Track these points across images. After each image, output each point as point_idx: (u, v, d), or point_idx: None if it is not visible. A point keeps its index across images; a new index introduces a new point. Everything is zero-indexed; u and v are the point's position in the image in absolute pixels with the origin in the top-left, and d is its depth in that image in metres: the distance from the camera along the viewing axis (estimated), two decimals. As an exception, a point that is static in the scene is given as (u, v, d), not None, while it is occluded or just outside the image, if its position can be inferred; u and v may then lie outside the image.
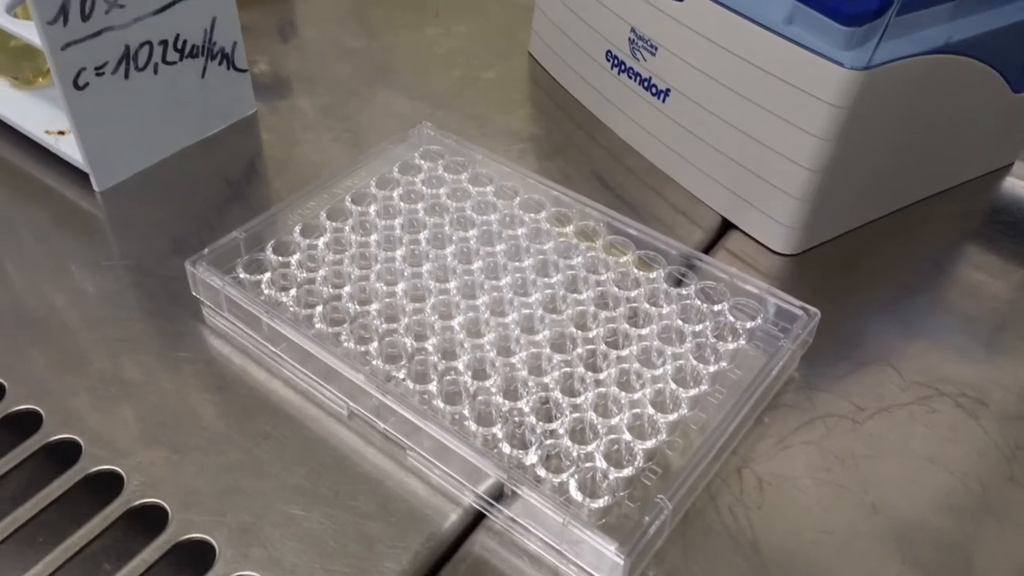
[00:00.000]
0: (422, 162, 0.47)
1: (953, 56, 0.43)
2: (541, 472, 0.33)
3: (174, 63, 0.46)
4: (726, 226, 0.48)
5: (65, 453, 0.34)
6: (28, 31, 0.42)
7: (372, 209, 0.43)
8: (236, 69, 0.50)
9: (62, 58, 0.41)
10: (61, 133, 0.47)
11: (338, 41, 0.61)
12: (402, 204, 0.44)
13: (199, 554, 0.31)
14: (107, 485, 0.33)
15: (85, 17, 0.41)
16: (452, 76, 0.58)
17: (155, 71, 0.45)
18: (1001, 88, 0.47)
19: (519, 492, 0.31)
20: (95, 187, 0.46)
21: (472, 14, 0.65)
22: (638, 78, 0.50)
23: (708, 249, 0.46)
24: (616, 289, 0.40)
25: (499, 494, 0.33)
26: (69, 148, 0.46)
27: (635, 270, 0.41)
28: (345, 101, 0.55)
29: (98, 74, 0.43)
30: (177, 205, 0.47)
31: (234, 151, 0.51)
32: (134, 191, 0.47)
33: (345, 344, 0.37)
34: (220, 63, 0.48)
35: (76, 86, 0.42)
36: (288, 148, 0.51)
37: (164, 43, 0.45)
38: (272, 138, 0.52)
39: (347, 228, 0.42)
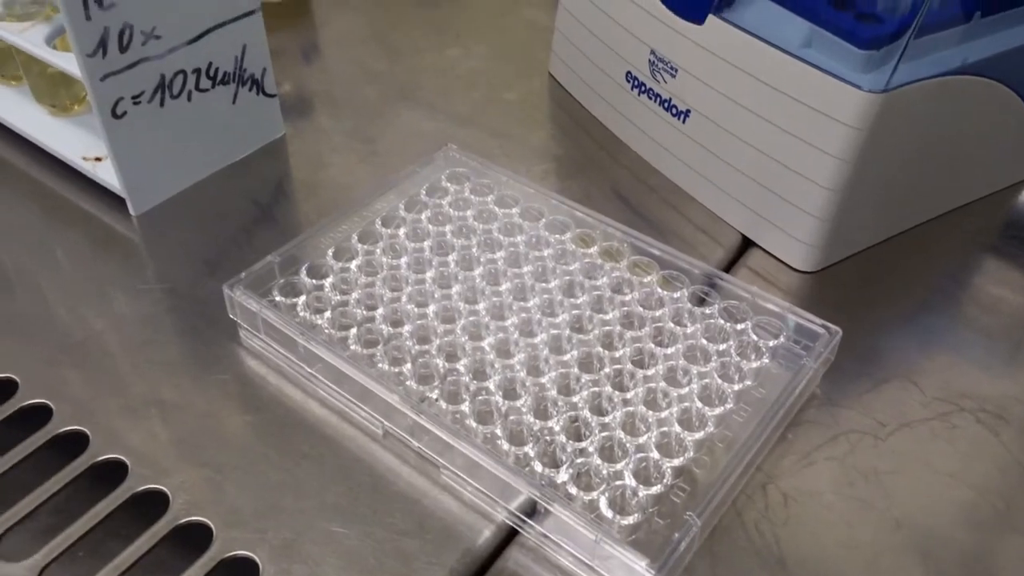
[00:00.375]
0: (448, 184, 0.48)
1: (969, 76, 0.44)
2: (572, 490, 0.34)
3: (207, 90, 0.48)
4: (746, 244, 0.49)
5: (112, 473, 0.35)
6: (68, 63, 0.44)
7: (402, 232, 0.44)
8: (265, 94, 0.51)
9: (101, 89, 0.43)
10: (98, 159, 0.49)
11: (361, 63, 0.63)
12: (431, 227, 0.45)
13: (243, 571, 0.32)
14: (151, 505, 0.34)
15: (123, 49, 0.43)
16: (474, 97, 0.59)
17: (188, 98, 0.47)
18: (1016, 105, 0.48)
19: (551, 509, 0.32)
20: (131, 211, 0.48)
21: (492, 35, 0.67)
22: (658, 99, 0.52)
23: (729, 267, 0.47)
24: (641, 309, 0.41)
25: (531, 511, 0.34)
26: (106, 174, 0.48)
27: (659, 290, 0.42)
28: (370, 123, 0.57)
29: (135, 103, 0.44)
30: (209, 228, 0.48)
31: (263, 174, 0.52)
32: (168, 214, 0.49)
33: (379, 365, 0.38)
34: (250, 89, 0.50)
35: (114, 115, 0.44)
36: (315, 171, 0.52)
37: (197, 71, 0.47)
38: (299, 161, 0.53)
39: (378, 251, 0.43)
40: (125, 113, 0.44)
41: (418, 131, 0.56)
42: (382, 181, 0.48)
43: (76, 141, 0.50)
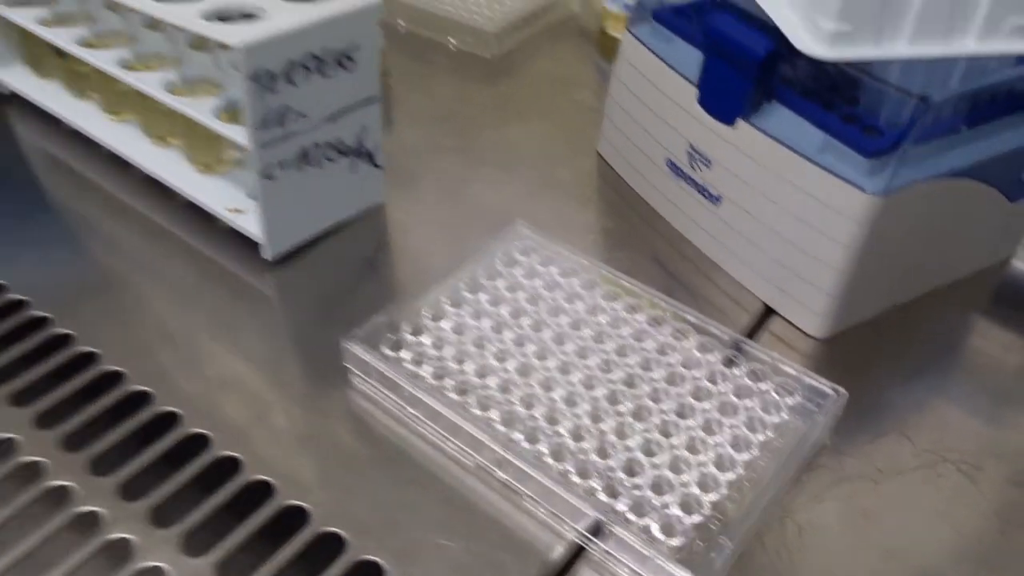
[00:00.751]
0: (520, 256, 0.57)
1: (957, 179, 0.53)
2: (630, 516, 0.42)
3: (332, 160, 0.57)
4: (768, 311, 0.57)
5: (261, 490, 0.44)
6: (236, 133, 0.53)
7: (483, 297, 0.54)
8: (375, 166, 0.61)
9: (261, 155, 0.53)
10: (238, 211, 0.58)
11: (433, 139, 0.72)
12: (507, 293, 0.54)
13: (371, 574, 0.41)
14: (291, 518, 0.43)
15: (280, 124, 0.53)
16: (533, 173, 0.69)
17: (320, 166, 0.57)
18: (999, 200, 0.57)
19: (613, 531, 0.41)
20: (266, 256, 0.57)
21: (546, 114, 0.76)
22: (695, 185, 0.61)
23: (754, 332, 0.56)
24: (682, 368, 0.50)
25: (596, 531, 0.42)
26: (245, 223, 0.58)
27: (696, 353, 0.51)
28: (444, 195, 0.66)
29: (281, 167, 0.54)
30: (323, 278, 0.58)
31: (367, 234, 0.62)
32: (290, 264, 0.58)
33: (471, 410, 0.47)
34: (365, 161, 0.60)
35: (267, 177, 0.54)
36: (404, 235, 0.62)
37: (329, 145, 0.56)
38: (392, 226, 0.62)
39: (466, 314, 0.52)
40: (273, 176, 0.54)
41: (486, 203, 0.65)
42: (462, 249, 0.57)
43: (219, 195, 0.60)
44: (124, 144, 0.65)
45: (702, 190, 0.60)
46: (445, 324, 0.52)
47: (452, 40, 0.85)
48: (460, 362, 0.50)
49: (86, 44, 0.64)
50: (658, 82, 0.62)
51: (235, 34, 0.49)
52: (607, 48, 0.86)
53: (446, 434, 0.46)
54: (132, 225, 0.61)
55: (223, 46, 0.50)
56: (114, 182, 0.65)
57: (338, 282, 0.58)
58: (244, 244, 0.59)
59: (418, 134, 0.73)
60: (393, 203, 0.64)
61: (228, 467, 0.45)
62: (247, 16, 0.52)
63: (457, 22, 0.85)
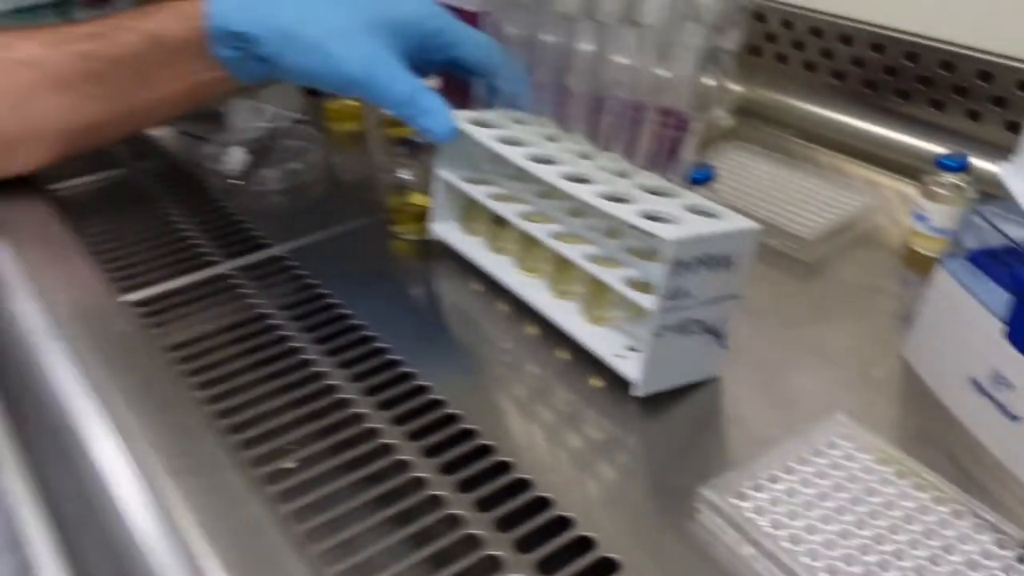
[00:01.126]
0: (839, 441, 0.71)
1: None
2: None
3: (697, 333, 0.76)
4: (1059, 522, 0.66)
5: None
6: (644, 300, 0.74)
7: (808, 470, 0.68)
8: (722, 346, 0.79)
9: (660, 318, 0.73)
10: (619, 357, 0.79)
11: (758, 328, 0.89)
12: (828, 470, 0.68)
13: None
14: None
15: (675, 298, 0.72)
16: (845, 368, 0.83)
17: (688, 335, 0.76)
18: None
19: None
20: (638, 394, 0.76)
21: (855, 317, 0.90)
22: (995, 403, 0.72)
23: (1045, 538, 0.65)
24: (978, 558, 0.61)
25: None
26: (624, 368, 0.78)
27: (991, 546, 0.62)
28: (768, 377, 0.82)
29: (666, 330, 0.74)
30: (671, 426, 0.75)
31: (705, 398, 0.79)
32: (647, 412, 0.76)
33: (800, 558, 0.61)
34: (716, 340, 0.78)
35: (657, 335, 0.73)
36: (733, 405, 0.78)
37: (698, 322, 0.76)
38: (723, 396, 0.79)
39: (794, 481, 0.67)
40: (662, 335, 0.74)
41: (804, 390, 0.80)
42: (785, 427, 0.72)
43: (606, 343, 0.81)
44: (531, 294, 0.88)
45: (1002, 408, 0.71)
46: (778, 486, 0.67)
47: (774, 242, 1.03)
48: (791, 518, 0.64)
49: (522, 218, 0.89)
50: (967, 311, 0.75)
51: (667, 232, 0.71)
52: (912, 261, 0.99)
53: (779, 573, 0.61)
54: (522, 371, 0.83)
55: (643, 233, 0.72)
56: (505, 332, 0.88)
57: (682, 433, 0.75)
58: (604, 393, 0.78)
59: (745, 321, 0.90)
60: (725, 377, 0.81)
61: (607, 567, 0.62)
62: (657, 219, 0.73)
63: (779, 227, 1.03)
